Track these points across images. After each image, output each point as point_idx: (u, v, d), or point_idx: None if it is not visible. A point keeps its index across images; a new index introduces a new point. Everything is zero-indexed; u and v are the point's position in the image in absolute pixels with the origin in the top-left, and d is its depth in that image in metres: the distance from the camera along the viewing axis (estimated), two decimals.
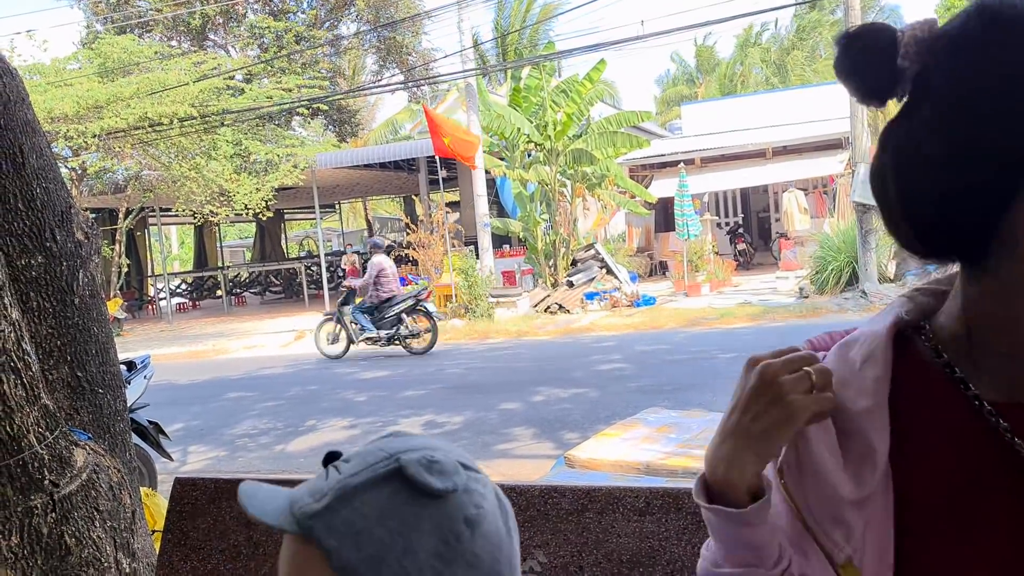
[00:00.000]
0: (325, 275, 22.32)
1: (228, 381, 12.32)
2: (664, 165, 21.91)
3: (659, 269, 22.26)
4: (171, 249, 49.38)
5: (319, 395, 10.24)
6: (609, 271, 17.60)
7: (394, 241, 40.76)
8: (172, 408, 9.88)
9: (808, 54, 37.44)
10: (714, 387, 8.33)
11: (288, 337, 16.93)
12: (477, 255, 17.86)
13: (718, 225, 23.48)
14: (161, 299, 26.11)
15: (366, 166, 22.98)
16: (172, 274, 29.92)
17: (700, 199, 19.74)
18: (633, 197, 18.70)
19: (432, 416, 8.23)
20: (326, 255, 29.88)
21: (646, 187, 20.14)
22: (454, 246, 18.41)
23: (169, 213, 28.34)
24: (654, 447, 2.97)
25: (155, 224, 27.02)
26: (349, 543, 0.78)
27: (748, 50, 39.55)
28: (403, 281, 20.20)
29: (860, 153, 13.89)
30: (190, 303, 28.29)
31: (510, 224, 18.27)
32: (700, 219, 18.01)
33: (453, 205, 28.55)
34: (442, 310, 16.68)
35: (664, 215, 22.46)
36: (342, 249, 22.37)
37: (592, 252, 18.03)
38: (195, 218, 20.19)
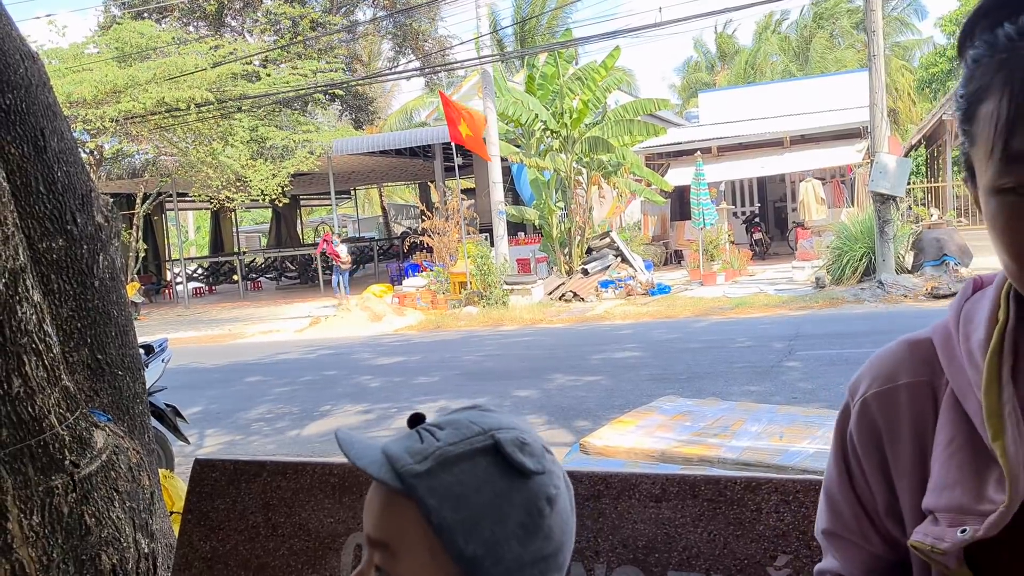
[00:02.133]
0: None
1: (244, 366, 12.40)
2: (681, 153, 21.81)
3: (674, 258, 22.19)
4: (188, 234, 49.63)
5: (334, 380, 10.30)
6: (624, 259, 17.57)
7: (409, 228, 40.81)
8: (189, 392, 9.97)
9: (827, 41, 37.10)
10: (728, 376, 8.31)
11: (303, 323, 17.01)
12: (492, 242, 17.86)
13: (734, 214, 23.37)
14: (178, 284, 26.28)
15: (382, 152, 22.99)
16: (189, 259, 30.07)
17: (716, 188, 19.65)
18: (649, 185, 18.65)
19: (446, 402, 8.26)
20: (341, 241, 29.93)
21: (662, 175, 20.06)
22: (469, 233, 18.41)
23: (186, 198, 28.45)
24: (669, 435, 2.97)
25: (172, 209, 27.16)
26: (449, 505, 0.87)
27: (767, 38, 39.22)
28: (417, 268, 20.25)
29: (879, 142, 13.78)
30: (206, 288, 28.43)
31: (525, 212, 18.24)
32: (716, 208, 17.93)
33: (468, 192, 28.57)
34: (456, 297, 16.71)
35: (680, 204, 22.37)
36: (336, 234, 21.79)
37: (607, 240, 17.99)
38: (211, 203, 20.29)
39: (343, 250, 20.32)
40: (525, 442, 0.92)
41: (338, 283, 19.91)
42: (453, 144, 16.70)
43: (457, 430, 0.93)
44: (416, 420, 0.97)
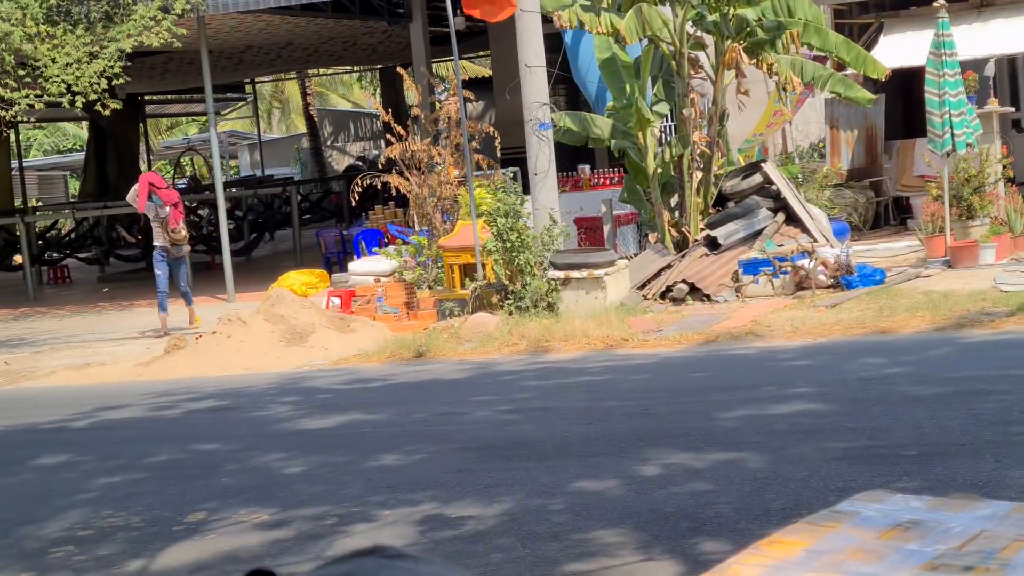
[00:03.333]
0: (225, 225, 22.49)
1: (36, 433, 12.49)
2: (905, 2, 21.61)
3: (893, 213, 22.02)
4: None
5: (214, 461, 10.34)
6: (790, 218, 17.48)
7: (361, 159, 40.81)
8: None
9: None
10: (1002, 450, 8.25)
11: (153, 346, 17.09)
12: (526, 187, 17.85)
13: (1015, 125, 23.15)
14: None
15: (305, 8, 23.06)
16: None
17: (978, 72, 19.50)
18: (841, 69, 18.50)
19: (437, 507, 8.26)
20: (229, 185, 29.89)
21: (868, 49, 19.91)
22: (481, 168, 18.36)
23: None
24: (874, 568, 2.97)
25: None
26: None
27: None
28: (377, 238, 20.26)
29: None
30: None
31: (592, 123, 18.20)
32: (977, 112, 17.78)
33: (480, 86, 28.52)
34: (455, 294, 16.72)
35: (905, 105, 22.14)
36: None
37: (756, 180, 17.91)
38: None
39: (164, 210, 18.56)
40: None
41: (165, 289, 18.55)
42: None
43: None
44: None
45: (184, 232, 18.93)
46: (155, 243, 18.98)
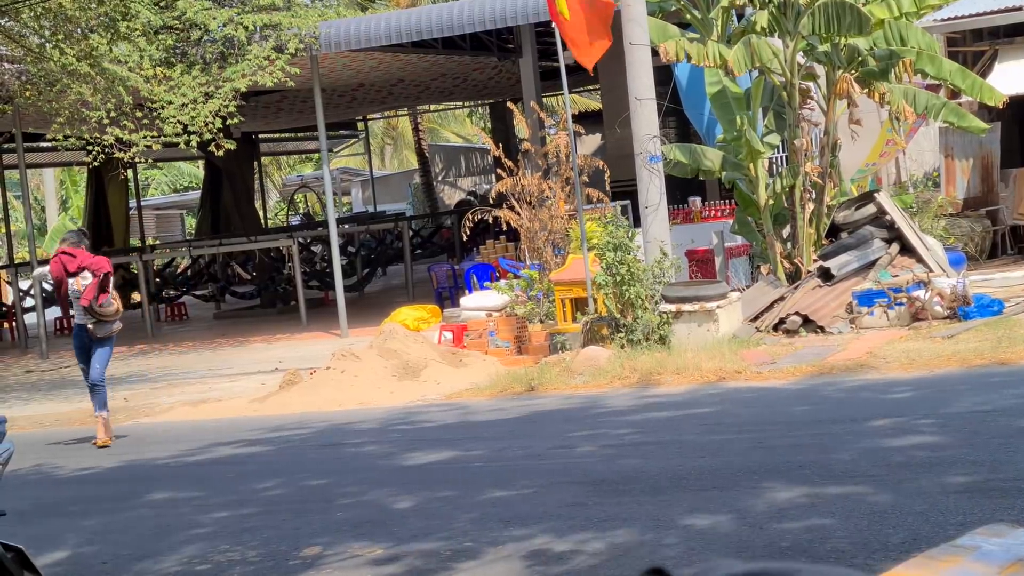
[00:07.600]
0: (338, 261, 22.65)
1: (154, 468, 12.62)
2: (1020, 29, 21.36)
3: (1010, 242, 21.70)
4: (43, 215, 50.98)
5: (327, 495, 10.40)
6: (905, 248, 17.29)
7: (472, 193, 41.03)
8: (48, 520, 10.19)
9: None
10: None
11: (268, 382, 17.22)
12: (636, 220, 17.81)
13: None
14: (27, 310, 26.89)
15: (416, 46, 23.20)
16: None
17: None
18: (955, 97, 18.29)
19: (550, 541, 8.23)
20: (342, 221, 30.12)
21: (983, 76, 19.69)
22: (591, 202, 18.34)
23: (41, 145, 29.07)
24: None
25: (14, 166, 27.90)
26: None
27: None
28: (488, 272, 20.28)
29: None
30: None
31: (703, 156, 18.13)
32: None
33: (590, 120, 28.50)
34: (565, 327, 16.70)
35: (1020, 133, 21.85)
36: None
37: (870, 210, 17.74)
38: (89, 153, 20.75)
39: (85, 277, 14.32)
40: None
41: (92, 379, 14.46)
42: (555, 25, 16.71)
43: None
44: None
45: (114, 306, 14.42)
46: (75, 320, 15.12)
